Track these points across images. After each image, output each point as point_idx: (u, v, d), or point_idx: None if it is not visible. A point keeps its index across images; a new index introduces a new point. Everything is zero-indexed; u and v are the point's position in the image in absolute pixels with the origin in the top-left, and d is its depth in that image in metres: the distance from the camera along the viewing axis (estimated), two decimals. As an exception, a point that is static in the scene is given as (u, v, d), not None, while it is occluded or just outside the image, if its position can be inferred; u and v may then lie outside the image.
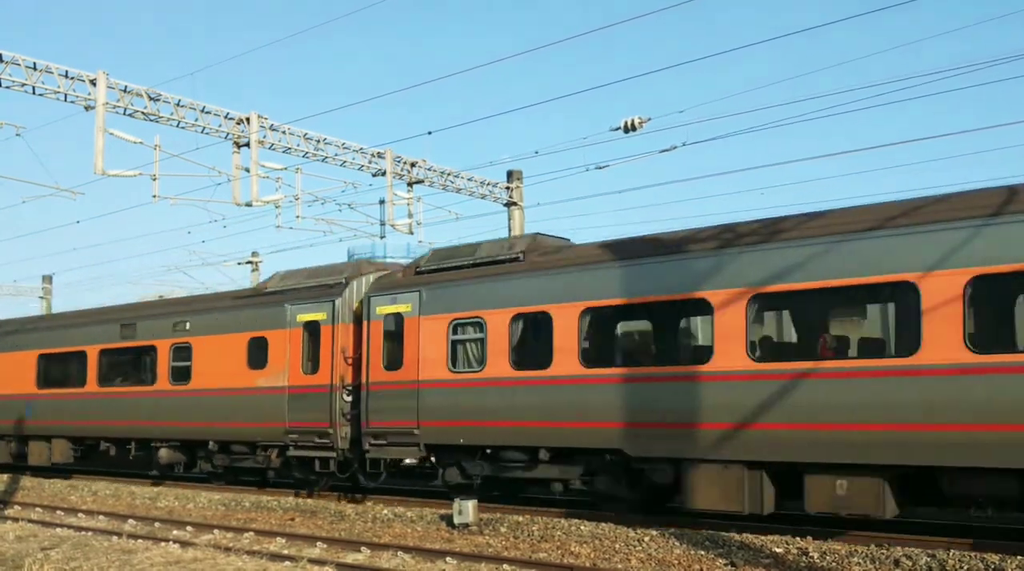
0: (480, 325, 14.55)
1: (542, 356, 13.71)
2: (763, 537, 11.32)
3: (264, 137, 20.76)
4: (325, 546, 12.68)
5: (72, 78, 18.20)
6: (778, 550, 10.69)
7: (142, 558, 11.97)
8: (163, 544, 13.12)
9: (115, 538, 13.77)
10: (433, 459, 15.49)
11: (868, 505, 10.70)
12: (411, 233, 24.27)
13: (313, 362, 16.98)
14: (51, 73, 18.01)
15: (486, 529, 13.23)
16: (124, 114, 18.96)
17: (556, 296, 13.65)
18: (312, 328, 17.06)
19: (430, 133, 24.48)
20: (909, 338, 10.65)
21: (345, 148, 22.53)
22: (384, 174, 23.16)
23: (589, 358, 13.29)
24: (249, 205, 20.32)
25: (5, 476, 23.75)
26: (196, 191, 31.45)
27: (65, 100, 18.24)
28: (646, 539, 11.64)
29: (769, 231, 11.94)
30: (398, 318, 15.71)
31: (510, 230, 25.34)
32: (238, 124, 20.36)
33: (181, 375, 19.50)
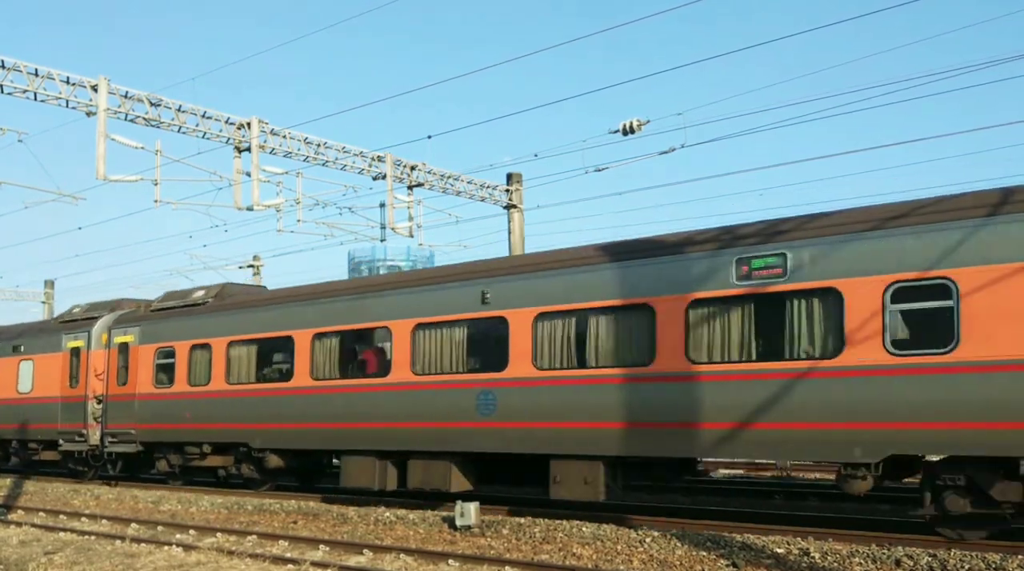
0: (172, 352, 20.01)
1: (205, 376, 19.18)
2: (764, 537, 11.35)
3: (265, 141, 20.83)
4: (328, 549, 12.71)
5: (73, 84, 18.26)
6: (779, 550, 10.71)
7: (145, 562, 12.01)
8: (166, 548, 13.16)
9: (118, 542, 13.80)
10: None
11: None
12: (411, 236, 24.39)
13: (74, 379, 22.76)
14: (52, 79, 18.08)
15: (488, 531, 13.25)
16: (125, 119, 19.04)
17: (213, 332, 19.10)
18: (75, 352, 22.76)
19: (430, 137, 24.66)
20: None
21: (345, 152, 22.60)
22: (384, 177, 23.23)
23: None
24: (250, 209, 20.41)
25: (8, 480, 23.77)
26: (197, 196, 31.45)
27: (67, 106, 18.32)
28: (648, 540, 11.67)
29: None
30: (124, 346, 21.13)
31: (510, 232, 25.40)
32: (239, 129, 20.42)
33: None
